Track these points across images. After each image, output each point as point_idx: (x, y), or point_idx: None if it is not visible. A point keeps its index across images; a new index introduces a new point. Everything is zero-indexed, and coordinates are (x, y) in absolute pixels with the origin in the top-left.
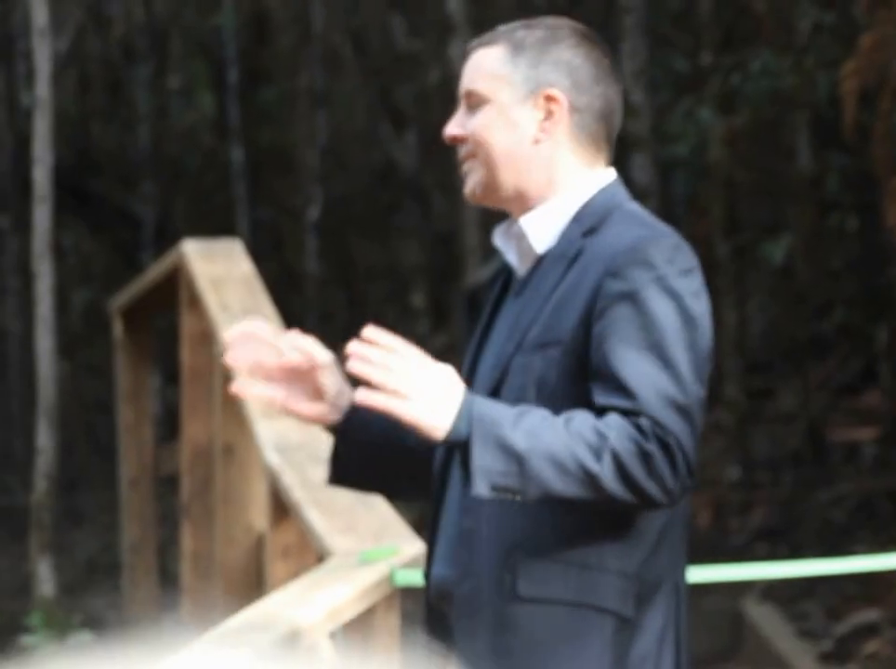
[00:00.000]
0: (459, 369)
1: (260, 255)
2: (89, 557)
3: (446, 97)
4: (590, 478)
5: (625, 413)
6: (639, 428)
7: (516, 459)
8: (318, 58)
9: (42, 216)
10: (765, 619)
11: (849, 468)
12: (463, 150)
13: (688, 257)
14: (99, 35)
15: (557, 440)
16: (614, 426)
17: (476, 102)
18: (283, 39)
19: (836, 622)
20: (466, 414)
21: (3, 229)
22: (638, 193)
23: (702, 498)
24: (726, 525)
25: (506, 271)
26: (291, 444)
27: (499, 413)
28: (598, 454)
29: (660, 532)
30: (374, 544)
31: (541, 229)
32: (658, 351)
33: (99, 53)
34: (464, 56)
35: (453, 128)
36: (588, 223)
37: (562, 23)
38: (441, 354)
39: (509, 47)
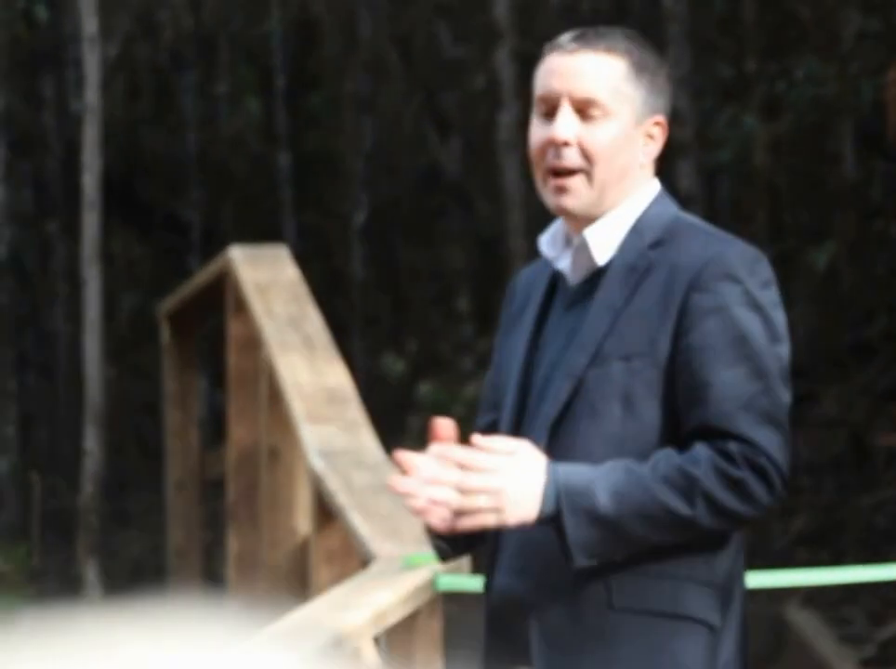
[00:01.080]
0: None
1: (306, 260)
2: (136, 559)
3: (490, 102)
4: (686, 523)
5: (714, 436)
6: (727, 456)
7: (610, 527)
8: (364, 64)
9: (91, 222)
10: (807, 624)
11: (890, 474)
12: (570, 159)
13: (767, 270)
14: (148, 42)
15: (646, 496)
16: (702, 460)
17: (593, 110)
18: (329, 45)
19: (878, 627)
20: (553, 491)
21: (52, 234)
22: (682, 199)
23: None
24: (768, 530)
25: (549, 275)
26: (335, 449)
27: (584, 479)
28: (689, 499)
29: (737, 541)
30: (416, 549)
31: (603, 240)
32: (750, 363)
33: (148, 59)
34: (553, 52)
35: (569, 133)
36: (651, 235)
37: (651, 47)
38: (485, 359)
39: (633, 66)
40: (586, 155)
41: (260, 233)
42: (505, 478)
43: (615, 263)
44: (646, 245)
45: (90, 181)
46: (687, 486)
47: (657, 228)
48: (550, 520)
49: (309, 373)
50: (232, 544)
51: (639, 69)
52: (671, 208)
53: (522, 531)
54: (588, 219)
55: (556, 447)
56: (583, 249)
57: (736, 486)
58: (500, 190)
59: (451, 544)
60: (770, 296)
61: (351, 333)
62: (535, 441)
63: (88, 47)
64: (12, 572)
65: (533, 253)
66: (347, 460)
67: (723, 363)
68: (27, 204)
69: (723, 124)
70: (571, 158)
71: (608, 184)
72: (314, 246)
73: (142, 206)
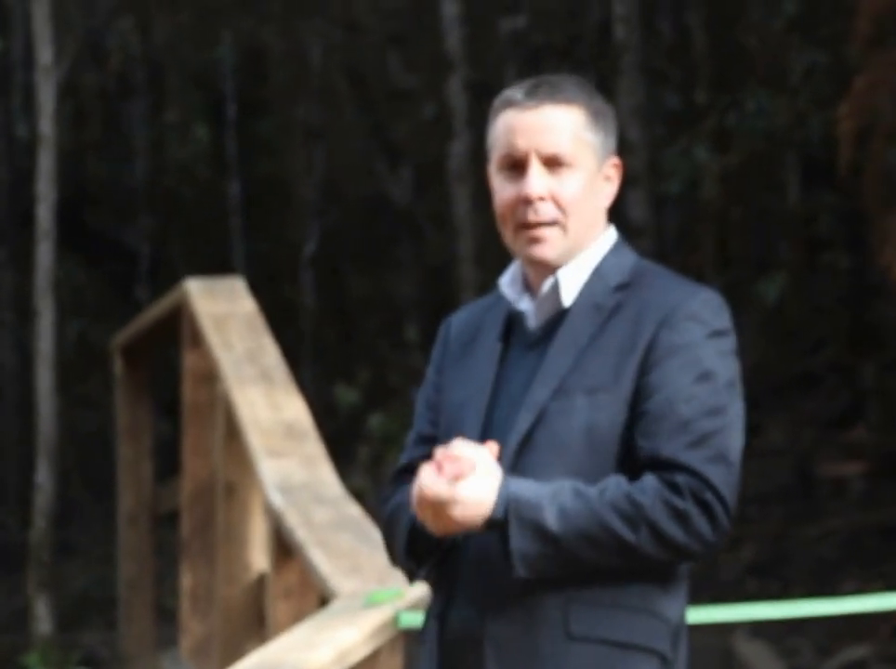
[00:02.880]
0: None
1: (256, 289)
2: (83, 591)
3: (441, 132)
4: (629, 549)
5: (664, 467)
6: (674, 488)
7: (553, 544)
8: (315, 92)
9: (45, 252)
10: (755, 655)
11: (837, 503)
12: (545, 213)
13: (727, 317)
14: (96, 68)
15: (591, 519)
16: (649, 490)
17: (560, 164)
18: (280, 73)
19: (826, 658)
20: (503, 500)
21: (0, 263)
22: (632, 229)
23: None
24: (716, 560)
25: (493, 320)
26: (294, 484)
27: (534, 494)
28: (634, 526)
29: (686, 575)
30: (378, 585)
31: (572, 283)
32: (710, 402)
33: (96, 86)
34: (512, 106)
35: (542, 189)
36: (616, 278)
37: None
38: None
39: (589, 113)
40: (559, 207)
41: (210, 262)
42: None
43: (579, 303)
44: (611, 288)
45: (44, 212)
46: (633, 513)
47: (621, 271)
48: (496, 526)
49: (267, 408)
50: (186, 578)
51: (595, 116)
52: (630, 253)
53: (479, 560)
54: (558, 265)
55: (517, 476)
56: (553, 291)
57: (680, 517)
58: (449, 219)
59: (420, 567)
60: (731, 343)
61: (302, 362)
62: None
63: (42, 76)
64: None
65: (483, 282)
66: (306, 495)
67: (683, 399)
68: None
69: (674, 154)
70: (546, 212)
71: (580, 231)
72: (264, 275)
73: (89, 234)
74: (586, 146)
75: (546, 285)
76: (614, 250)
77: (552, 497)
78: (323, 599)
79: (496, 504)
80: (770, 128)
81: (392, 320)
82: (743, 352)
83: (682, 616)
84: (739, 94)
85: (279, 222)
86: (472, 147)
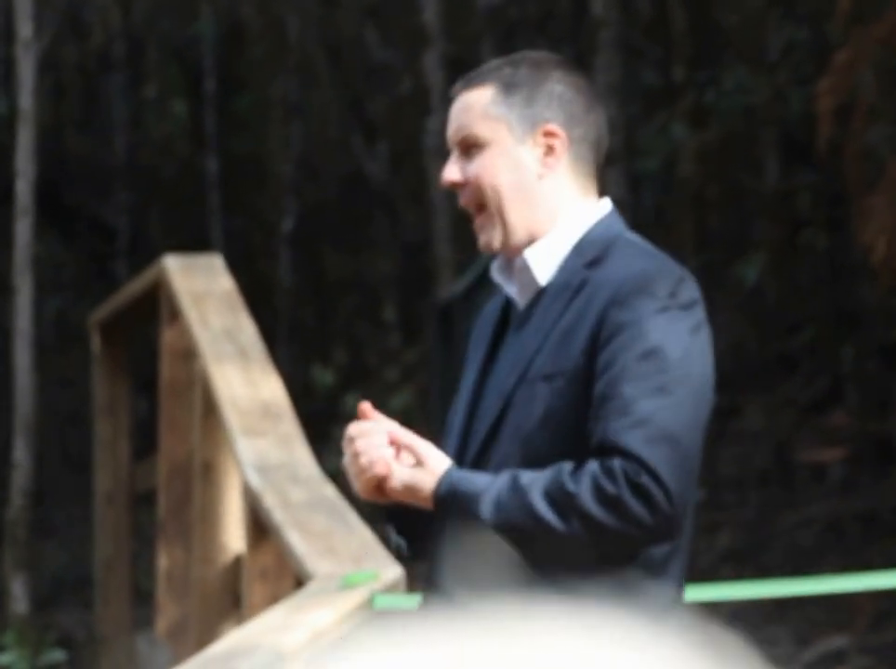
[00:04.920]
0: (430, 382)
1: (233, 266)
2: (59, 571)
3: (418, 108)
4: (561, 538)
5: (606, 452)
6: (608, 472)
7: (487, 529)
8: (292, 67)
9: (23, 229)
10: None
11: (816, 489)
12: (464, 197)
13: (690, 290)
14: (76, 43)
15: (523, 509)
16: (584, 477)
17: (473, 146)
18: (258, 48)
19: (805, 647)
20: (445, 490)
21: None
22: None
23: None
24: (691, 546)
25: (501, 303)
26: (271, 464)
27: (474, 487)
28: (564, 515)
29: (677, 570)
30: (354, 567)
31: (544, 261)
32: (656, 379)
33: (75, 61)
34: (451, 100)
35: (452, 174)
36: (590, 254)
37: (546, 57)
38: (412, 368)
39: (500, 87)
40: (474, 189)
41: (188, 238)
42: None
43: (554, 282)
44: (583, 264)
45: (23, 187)
46: (563, 501)
47: (597, 246)
48: (437, 506)
49: (244, 386)
50: (162, 559)
51: (508, 87)
52: (617, 228)
53: (465, 543)
54: (524, 244)
55: (484, 466)
56: (525, 270)
57: (610, 503)
58: (426, 197)
59: (408, 542)
60: (691, 318)
61: (278, 342)
62: (470, 461)
63: (23, 50)
64: None
65: (461, 261)
66: (283, 475)
67: (627, 379)
68: None
69: (651, 132)
70: (465, 196)
71: (505, 208)
72: (241, 252)
73: (67, 210)
74: (495, 120)
75: (517, 265)
76: (599, 223)
77: (491, 489)
78: (300, 582)
79: (434, 494)
80: (748, 106)
81: (370, 299)
82: (720, 334)
83: (671, 598)
84: (717, 71)
85: (256, 199)
86: None
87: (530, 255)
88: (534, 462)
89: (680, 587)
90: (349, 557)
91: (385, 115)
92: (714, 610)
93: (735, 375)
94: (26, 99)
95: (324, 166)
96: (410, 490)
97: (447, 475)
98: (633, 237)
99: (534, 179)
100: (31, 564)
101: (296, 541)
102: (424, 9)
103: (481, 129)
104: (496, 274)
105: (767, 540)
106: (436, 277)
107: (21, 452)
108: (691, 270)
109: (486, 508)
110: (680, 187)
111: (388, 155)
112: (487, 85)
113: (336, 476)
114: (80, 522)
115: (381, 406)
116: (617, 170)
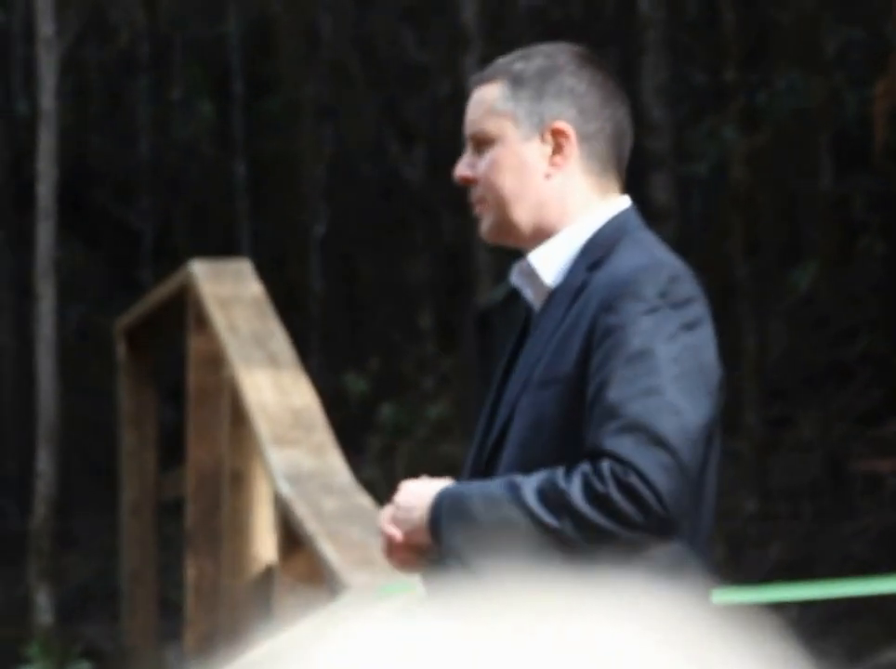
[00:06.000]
0: (470, 391)
1: (262, 272)
2: (85, 582)
3: (457, 111)
4: (554, 535)
5: (595, 456)
6: (598, 473)
7: (480, 531)
8: (324, 68)
9: (45, 233)
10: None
11: (870, 500)
12: (474, 193)
13: (685, 288)
14: (99, 43)
15: (516, 505)
16: (575, 476)
17: (483, 142)
18: (288, 48)
19: (857, 661)
20: (438, 500)
21: None
22: (656, 213)
23: (717, 530)
24: (742, 559)
25: (528, 309)
26: (303, 473)
27: (466, 488)
28: (555, 511)
29: (676, 564)
30: (391, 578)
31: (551, 263)
32: (644, 382)
33: (99, 61)
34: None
35: (463, 170)
36: (595, 255)
37: (561, 49)
38: (448, 377)
39: (509, 82)
40: (483, 185)
41: (215, 243)
42: (401, 497)
43: (561, 285)
44: (586, 266)
45: (45, 191)
46: (555, 498)
47: (602, 246)
48: (433, 527)
49: (275, 393)
50: (190, 569)
51: (516, 83)
52: (627, 226)
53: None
54: (536, 244)
55: (490, 474)
56: (532, 273)
57: (600, 501)
58: (465, 203)
59: None
60: (683, 316)
61: (309, 349)
62: (481, 470)
63: (44, 49)
64: None
65: (499, 267)
66: (315, 484)
67: (615, 382)
68: None
69: (700, 135)
70: (474, 193)
71: (506, 204)
72: (271, 257)
73: (90, 214)
74: (503, 117)
75: (524, 268)
76: (609, 223)
77: (483, 487)
78: (333, 593)
79: (430, 506)
80: (801, 108)
81: (405, 306)
82: (770, 342)
83: (688, 602)
84: (769, 72)
85: (287, 203)
86: None
87: (535, 257)
88: (532, 468)
89: (702, 591)
90: (386, 567)
91: (422, 118)
92: (763, 624)
93: (788, 385)
94: (48, 100)
95: (358, 170)
96: (410, 524)
97: (439, 494)
98: (641, 235)
99: (541, 178)
100: (55, 575)
101: (330, 551)
102: (463, 9)
103: (489, 125)
104: (516, 278)
105: (820, 551)
106: (475, 284)
107: (45, 462)
108: (741, 277)
109: (477, 504)
110: (731, 191)
111: (426, 158)
112: (497, 81)
113: (371, 486)
114: (105, 532)
115: (416, 415)
116: (665, 174)
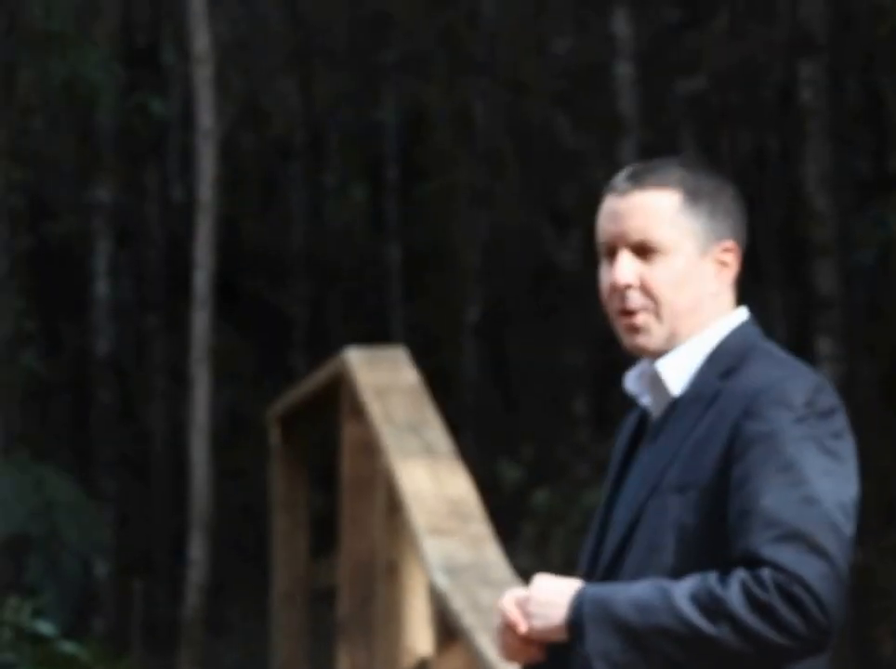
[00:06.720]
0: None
1: (414, 358)
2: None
3: None
4: (709, 642)
5: (752, 564)
6: (758, 581)
7: (630, 635)
8: (478, 153)
9: (201, 320)
10: None
11: None
12: (633, 301)
13: (829, 398)
14: (255, 130)
15: (669, 611)
16: (732, 583)
17: (650, 251)
18: (442, 134)
19: None
20: (578, 601)
21: (152, 328)
22: (821, 301)
23: (884, 626)
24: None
25: (638, 414)
26: (459, 565)
27: (609, 590)
28: (713, 617)
29: None
30: None
31: (677, 371)
32: (798, 491)
33: (254, 148)
34: (612, 193)
35: (629, 277)
36: (724, 364)
37: (705, 164)
38: (602, 464)
39: (686, 195)
40: (650, 295)
41: (367, 329)
42: (538, 592)
43: (688, 393)
44: (717, 375)
45: (201, 278)
46: (712, 604)
47: (731, 356)
48: (575, 627)
49: (431, 483)
50: (343, 660)
51: (693, 198)
52: (752, 337)
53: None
54: (660, 354)
55: (613, 577)
56: (657, 381)
57: (762, 610)
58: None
59: None
60: (830, 426)
61: (463, 435)
62: (600, 576)
63: (202, 140)
64: None
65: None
66: (472, 576)
67: (768, 491)
68: (127, 298)
69: (866, 222)
70: (634, 300)
71: (677, 318)
72: (423, 343)
73: (244, 300)
74: (682, 230)
75: (648, 376)
76: (734, 333)
77: (628, 590)
78: None
79: (571, 606)
80: None
81: (559, 392)
82: None
83: None
84: None
85: (440, 288)
86: None
87: (662, 365)
88: (665, 570)
89: None
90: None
91: (576, 204)
92: None
93: None
94: (204, 191)
95: (512, 255)
96: (545, 620)
97: (579, 593)
98: (768, 346)
99: (710, 296)
100: (207, 662)
101: (488, 646)
102: (620, 96)
103: (667, 235)
104: (631, 384)
105: None
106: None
107: (197, 548)
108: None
109: (624, 607)
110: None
111: (581, 244)
112: (670, 191)
113: (526, 575)
114: (255, 617)
115: (571, 502)
116: (829, 262)
